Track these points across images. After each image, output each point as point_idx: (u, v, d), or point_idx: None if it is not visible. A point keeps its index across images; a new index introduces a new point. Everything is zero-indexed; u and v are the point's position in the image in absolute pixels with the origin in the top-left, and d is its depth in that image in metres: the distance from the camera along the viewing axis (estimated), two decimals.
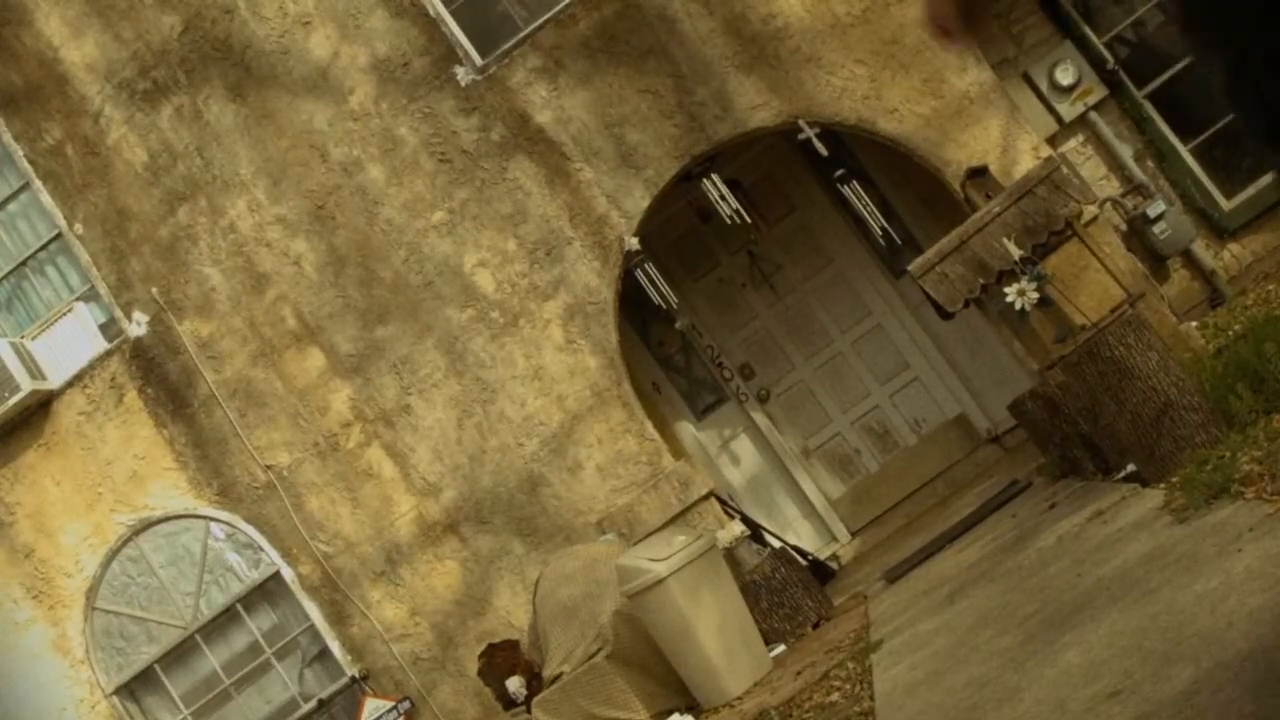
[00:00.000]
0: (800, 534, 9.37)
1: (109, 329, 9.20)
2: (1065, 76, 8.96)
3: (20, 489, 9.18)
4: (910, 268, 6.55)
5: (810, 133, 8.06)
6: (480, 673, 8.09)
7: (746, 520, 8.31)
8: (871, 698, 4.21)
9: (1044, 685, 3.03)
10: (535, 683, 7.58)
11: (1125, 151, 8.98)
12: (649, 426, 8.32)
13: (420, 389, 8.57)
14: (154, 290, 8.97)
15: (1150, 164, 9.00)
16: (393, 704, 8.25)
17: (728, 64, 8.22)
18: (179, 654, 9.10)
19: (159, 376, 8.99)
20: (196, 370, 8.89)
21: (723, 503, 8.49)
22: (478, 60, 8.60)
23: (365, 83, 8.70)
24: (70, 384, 9.13)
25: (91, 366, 9.10)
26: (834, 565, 8.87)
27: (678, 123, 8.28)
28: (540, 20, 8.58)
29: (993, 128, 7.94)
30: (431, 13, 8.64)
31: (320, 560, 8.71)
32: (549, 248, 8.44)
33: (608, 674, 6.69)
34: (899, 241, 8.56)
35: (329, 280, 8.73)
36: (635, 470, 8.26)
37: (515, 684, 7.68)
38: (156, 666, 9.11)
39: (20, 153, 9.25)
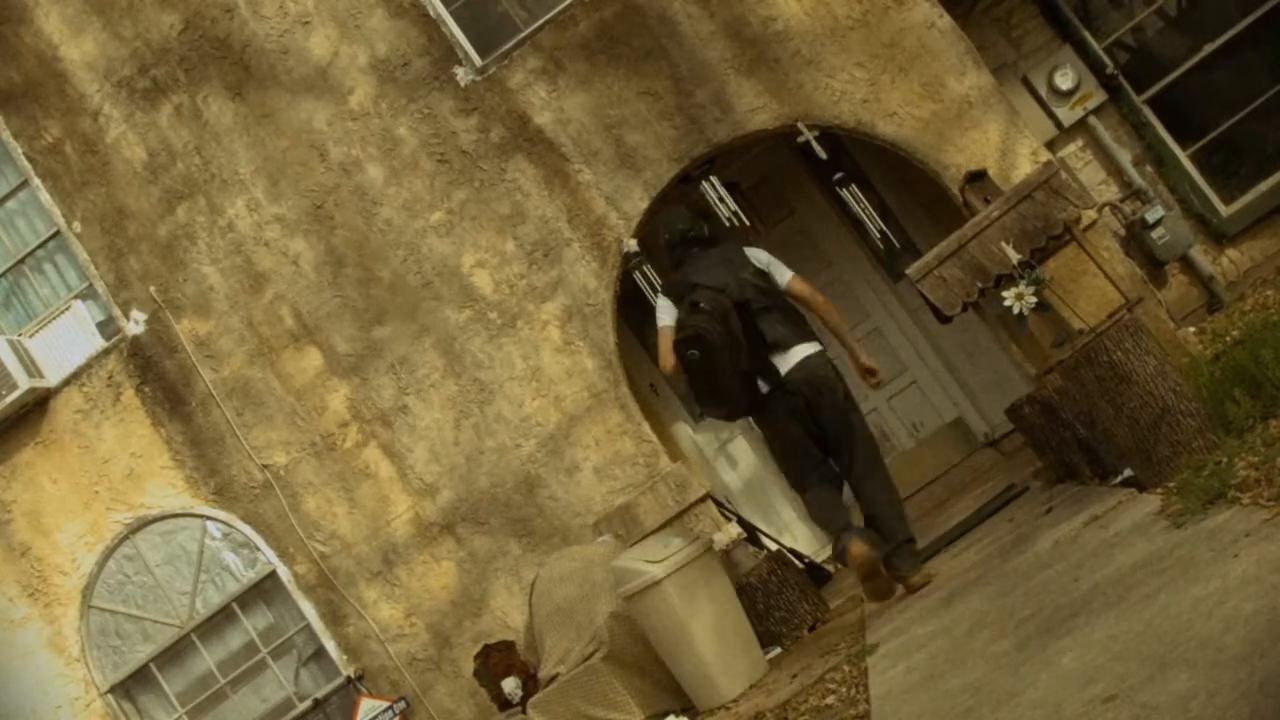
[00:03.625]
0: (797, 536, 9.37)
1: (107, 327, 9.20)
2: (1064, 81, 8.98)
3: (17, 487, 9.17)
4: (908, 271, 6.54)
5: (809, 135, 8.06)
6: (476, 673, 8.09)
7: (743, 522, 8.31)
8: (867, 701, 4.21)
9: (1040, 689, 3.03)
10: (531, 684, 7.58)
11: (1124, 156, 8.99)
12: (646, 428, 8.32)
13: (418, 389, 8.57)
14: (152, 289, 8.97)
15: (1149, 169, 9.02)
16: (388, 704, 8.24)
17: (727, 66, 8.23)
18: (174, 653, 9.10)
19: (156, 375, 8.99)
20: (194, 369, 8.89)
21: (719, 505, 8.49)
22: (477, 61, 8.60)
23: (365, 83, 8.70)
24: (68, 382, 9.13)
25: (89, 365, 9.10)
26: (830, 568, 8.87)
27: (677, 125, 8.29)
28: (540, 21, 8.58)
29: (991, 132, 7.95)
30: (431, 13, 8.64)
31: (316, 560, 8.70)
32: (547, 249, 8.44)
33: (603, 675, 6.69)
34: (897, 245, 8.56)
35: (327, 280, 8.73)
36: (632, 472, 8.26)
37: (511, 685, 7.67)
38: (152, 665, 9.10)
39: (19, 150, 9.25)
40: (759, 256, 6.22)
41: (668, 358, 6.09)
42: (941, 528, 7.39)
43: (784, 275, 6.13)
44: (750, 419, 6.55)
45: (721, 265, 6.11)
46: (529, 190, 8.47)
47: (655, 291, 7.23)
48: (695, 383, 6.09)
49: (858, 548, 5.60)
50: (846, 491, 6.12)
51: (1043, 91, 9.02)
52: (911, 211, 9.24)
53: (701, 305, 5.89)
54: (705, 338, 5.82)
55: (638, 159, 8.32)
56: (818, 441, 6.02)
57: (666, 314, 6.15)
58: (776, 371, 5.98)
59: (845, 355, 6.35)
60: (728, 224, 8.44)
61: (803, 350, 5.97)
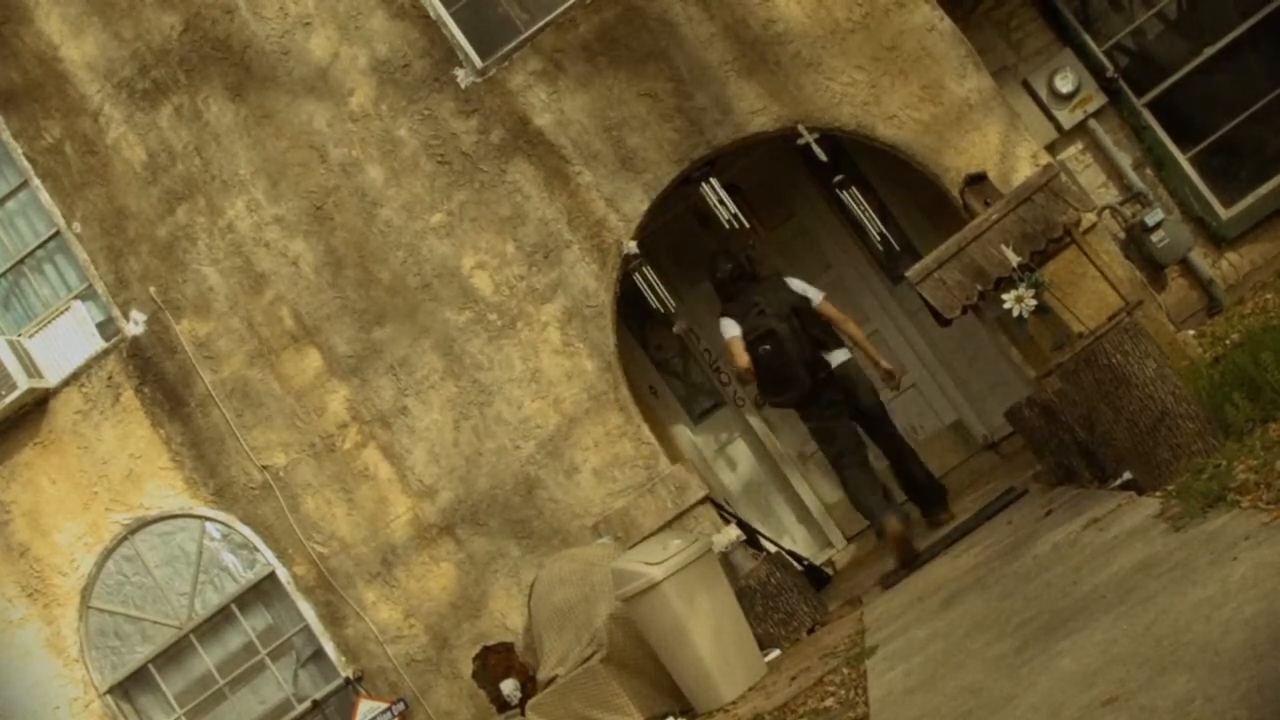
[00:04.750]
0: (796, 539, 9.37)
1: (106, 328, 9.19)
2: (1064, 84, 8.98)
3: (16, 487, 9.17)
4: (908, 274, 6.55)
5: (809, 138, 8.06)
6: (475, 675, 8.09)
7: (742, 525, 8.31)
8: (866, 703, 4.22)
9: (1038, 692, 3.03)
10: (530, 685, 7.58)
11: (1124, 159, 8.99)
12: (646, 430, 8.31)
13: (417, 390, 8.57)
14: (152, 289, 8.97)
15: (1149, 172, 9.02)
16: (387, 705, 8.24)
17: (727, 68, 8.23)
18: (173, 654, 9.09)
19: (156, 376, 8.99)
20: (193, 370, 8.88)
21: (719, 507, 8.49)
22: (478, 62, 8.60)
23: (365, 84, 8.70)
24: (67, 382, 9.12)
25: (88, 365, 9.10)
26: (829, 570, 8.88)
27: (677, 126, 8.29)
28: (541, 23, 8.58)
29: (991, 135, 7.95)
30: (432, 14, 8.64)
31: (315, 561, 8.70)
32: (547, 250, 8.45)
33: (602, 677, 6.69)
34: (897, 248, 8.56)
35: (327, 281, 8.73)
36: (631, 474, 8.26)
37: (510, 687, 7.67)
38: (151, 666, 9.10)
39: (19, 150, 9.24)
40: (795, 284, 7.68)
41: (742, 357, 7.47)
42: (941, 530, 7.40)
43: (816, 296, 7.64)
44: (799, 411, 7.84)
45: (769, 292, 7.58)
46: (529, 192, 8.47)
47: (656, 293, 8.26)
48: (764, 374, 7.48)
49: (894, 526, 6.96)
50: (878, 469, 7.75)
51: (1043, 94, 9.02)
52: (911, 214, 9.24)
53: (766, 310, 7.40)
54: (776, 332, 7.33)
55: (638, 161, 8.32)
56: (857, 423, 7.60)
57: (732, 328, 7.56)
58: (828, 365, 7.50)
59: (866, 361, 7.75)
60: (727, 226, 8.44)
61: (842, 354, 7.60)
